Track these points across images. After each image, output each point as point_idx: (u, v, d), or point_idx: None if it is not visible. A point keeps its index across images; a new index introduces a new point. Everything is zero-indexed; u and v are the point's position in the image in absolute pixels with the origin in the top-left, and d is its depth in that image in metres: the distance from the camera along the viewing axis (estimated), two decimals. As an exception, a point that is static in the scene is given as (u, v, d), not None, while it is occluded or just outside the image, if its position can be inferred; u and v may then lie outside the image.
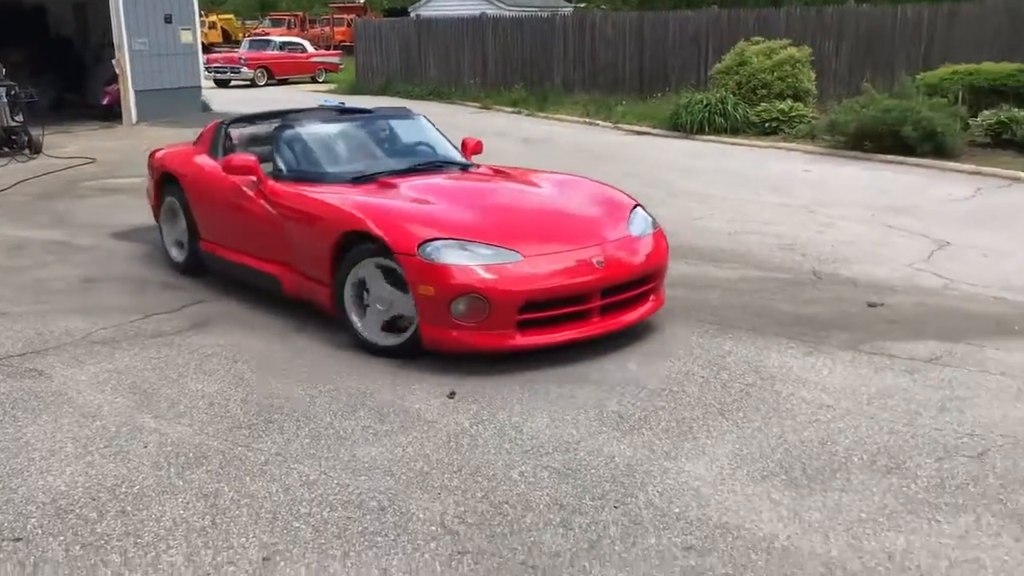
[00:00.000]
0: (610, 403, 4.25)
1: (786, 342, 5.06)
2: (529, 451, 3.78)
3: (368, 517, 3.27)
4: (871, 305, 5.72)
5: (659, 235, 5.38)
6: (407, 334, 4.78)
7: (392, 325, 4.87)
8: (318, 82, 30.50)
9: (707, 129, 14.23)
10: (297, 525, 3.22)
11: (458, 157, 6.30)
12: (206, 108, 18.14)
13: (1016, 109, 11.81)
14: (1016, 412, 4.10)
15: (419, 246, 4.61)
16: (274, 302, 5.75)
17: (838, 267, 6.68)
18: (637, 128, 15.43)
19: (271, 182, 5.62)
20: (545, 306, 4.66)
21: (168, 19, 17.02)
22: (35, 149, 12.51)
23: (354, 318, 4.97)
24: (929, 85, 12.86)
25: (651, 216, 5.48)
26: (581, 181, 5.91)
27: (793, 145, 13.05)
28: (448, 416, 4.13)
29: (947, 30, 15.02)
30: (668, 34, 18.12)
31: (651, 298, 5.23)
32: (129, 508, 3.34)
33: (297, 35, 40.75)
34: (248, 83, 28.80)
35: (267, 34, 40.07)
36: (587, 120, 16.79)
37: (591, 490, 3.46)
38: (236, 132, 6.53)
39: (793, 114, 13.83)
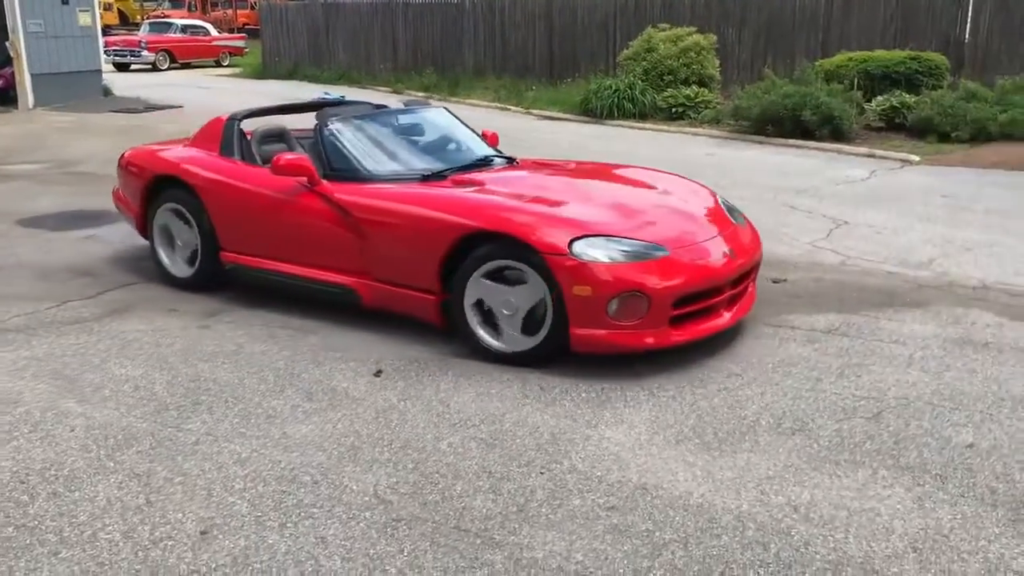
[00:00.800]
0: (532, 377, 4.41)
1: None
2: (456, 424, 3.92)
3: (303, 490, 3.36)
4: (774, 281, 6.01)
5: (751, 224, 5.37)
6: (541, 336, 4.49)
7: (528, 326, 4.55)
8: (223, 66, 29.88)
9: (616, 114, 14.53)
10: (232, 500, 3.29)
11: (494, 149, 6.03)
12: (107, 92, 17.68)
13: (907, 95, 12.42)
14: (907, 376, 4.41)
15: (569, 244, 4.34)
16: (195, 288, 5.74)
17: (744, 246, 6.98)
18: (548, 113, 15.64)
19: (327, 183, 5.15)
20: (691, 300, 4.53)
21: (65, 0, 16.48)
22: (-73, 135, 12.03)
23: (480, 331, 4.64)
24: (827, 72, 13.40)
25: (734, 206, 5.48)
26: (660, 172, 5.81)
27: (699, 130, 13.44)
28: (376, 393, 4.24)
29: (844, 18, 15.62)
30: (577, 20, 18.35)
31: (751, 289, 5.16)
32: (61, 489, 3.35)
33: (199, 18, 39.76)
34: (149, 67, 28.02)
35: (167, 16, 38.98)
36: (499, 105, 16.94)
37: (518, 458, 3.61)
38: (247, 129, 5.95)
39: (699, 100, 14.23)
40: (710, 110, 13.91)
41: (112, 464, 3.55)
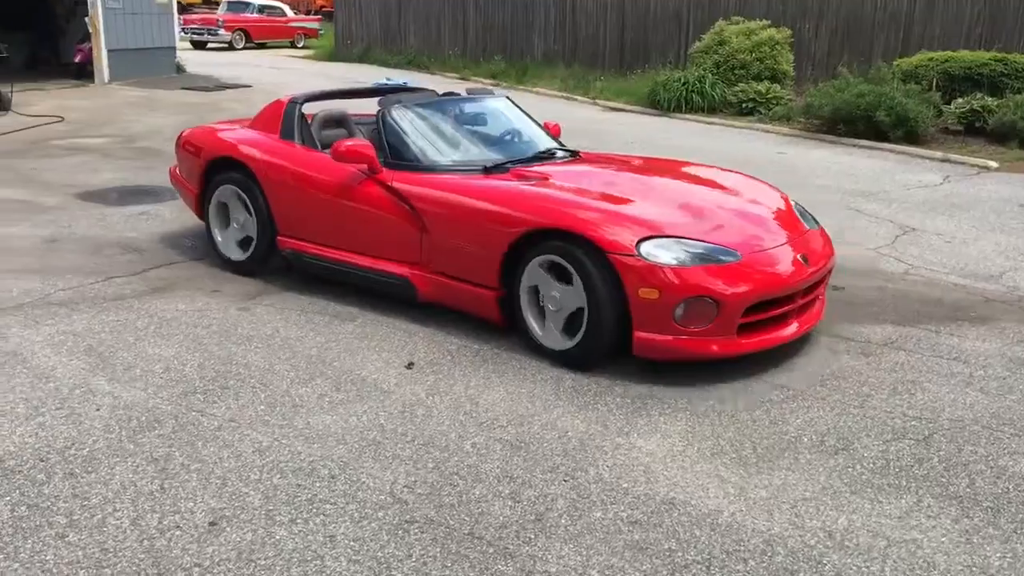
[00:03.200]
0: (567, 378, 4.27)
1: (746, 322, 5.09)
2: (483, 423, 3.80)
3: (318, 484, 3.28)
4: (833, 288, 5.76)
5: (823, 230, 5.18)
6: (579, 337, 4.34)
7: (568, 327, 4.44)
8: (297, 47, 30.22)
9: (684, 108, 14.24)
10: (246, 491, 3.22)
11: (557, 141, 5.86)
12: (180, 70, 17.95)
13: (989, 97, 11.89)
14: (964, 397, 4.16)
15: (636, 244, 4.19)
16: (248, 272, 5.73)
17: (803, 249, 6.72)
18: (614, 104, 15.40)
19: (388, 171, 5.05)
20: (762, 307, 4.35)
21: (144, -22, 16.75)
22: (3, 106, 12.32)
23: (533, 324, 4.55)
24: (904, 71, 12.90)
25: (807, 211, 5.28)
26: (728, 171, 5.65)
27: (768, 127, 13.08)
28: (404, 387, 4.14)
29: (926, 18, 15.05)
30: (649, 11, 18.03)
31: (822, 297, 4.98)
32: (78, 470, 3.33)
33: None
34: (225, 45, 28.44)
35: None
36: (565, 94, 16.75)
37: (542, 463, 3.48)
38: (308, 113, 5.84)
39: (770, 96, 13.85)
40: (781, 107, 13.53)
41: (132, 447, 3.51)
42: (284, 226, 5.51)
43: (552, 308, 4.44)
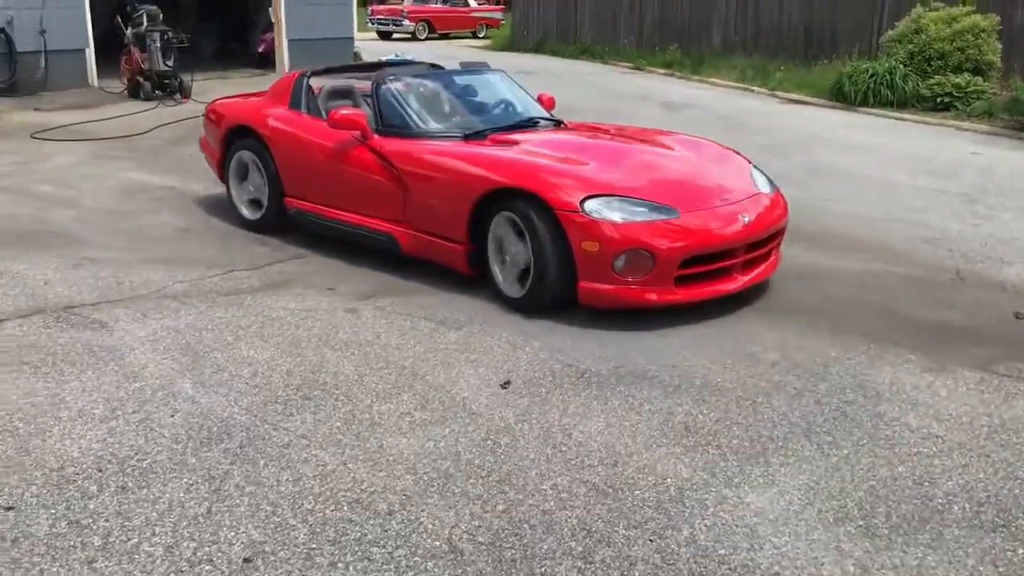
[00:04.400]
0: (679, 411, 3.77)
1: (905, 353, 4.41)
2: (571, 460, 3.37)
3: (371, 522, 2.95)
4: (1018, 316, 4.95)
5: (779, 192, 5.48)
6: (527, 286, 4.80)
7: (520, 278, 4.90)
8: (478, 37, 30.42)
9: (871, 101, 13.10)
10: (294, 523, 2.94)
11: (546, 113, 6.23)
12: (357, 59, 18.26)
13: None
14: None
15: (581, 202, 4.60)
16: (364, 265, 5.55)
17: (988, 267, 5.86)
18: (794, 96, 14.41)
19: (378, 137, 5.54)
20: (699, 262, 4.73)
21: (324, -31, 17.12)
22: (184, 94, 12.83)
23: (497, 271, 5.01)
24: None
25: (765, 174, 5.58)
26: (697, 139, 5.95)
27: (966, 124, 11.82)
28: (494, 409, 3.76)
29: None
30: (840, -4, 16.80)
31: (774, 256, 5.31)
32: (131, 484, 3.15)
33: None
34: (409, 36, 28.96)
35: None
36: (743, 85, 15.86)
37: (628, 516, 3.02)
38: (316, 85, 6.33)
39: (970, 89, 12.53)
40: (982, 102, 12.20)
41: (194, 461, 3.31)
42: (290, 188, 6.10)
43: (510, 260, 4.89)
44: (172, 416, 3.65)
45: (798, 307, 5.03)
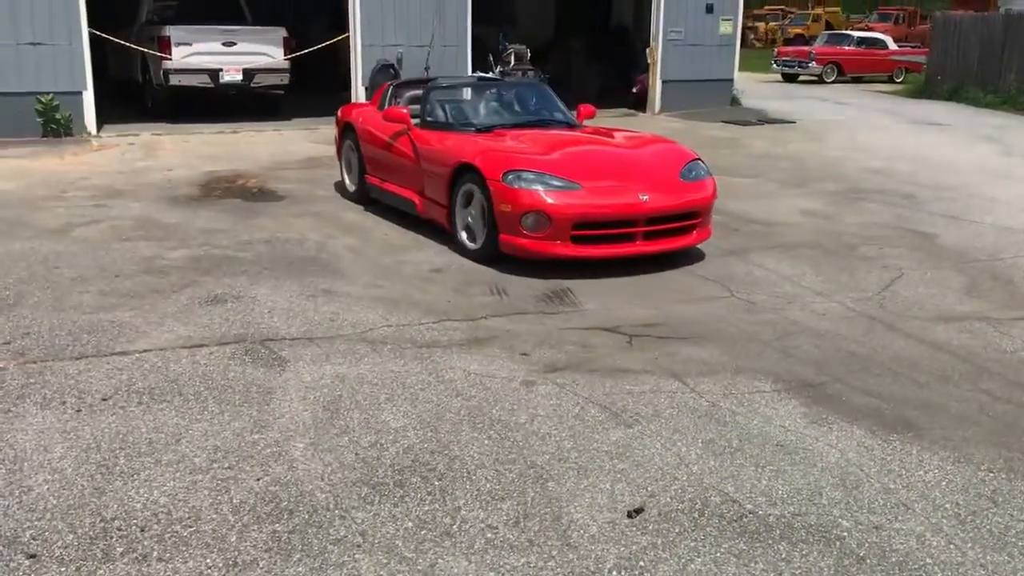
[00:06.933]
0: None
1: None
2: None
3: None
4: None
5: (707, 182, 6.62)
6: (480, 242, 6.36)
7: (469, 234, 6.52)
8: (895, 82, 27.93)
9: None
10: (264, 647, 2.48)
11: (564, 117, 7.71)
12: (735, 101, 17.51)
13: None
14: None
15: (502, 174, 6.06)
16: (577, 330, 4.98)
17: None
18: None
19: (416, 129, 7.23)
20: (596, 226, 6.04)
21: (709, 9, 16.62)
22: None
23: (460, 229, 6.57)
24: None
25: (706, 167, 6.75)
26: (657, 139, 7.33)
27: None
28: (600, 545, 3.00)
29: None
30: None
31: (694, 232, 6.50)
32: (155, 554, 2.91)
33: (903, 32, 37.95)
34: (816, 79, 27.40)
35: (870, 28, 37.86)
36: None
37: None
38: (402, 92, 8.16)
39: None
40: None
41: (234, 539, 2.99)
42: (368, 167, 8.03)
43: (470, 221, 6.46)
44: (258, 480, 3.38)
45: None
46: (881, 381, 4.50)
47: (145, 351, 4.63)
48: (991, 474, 3.58)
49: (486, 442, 3.72)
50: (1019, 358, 4.88)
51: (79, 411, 3.92)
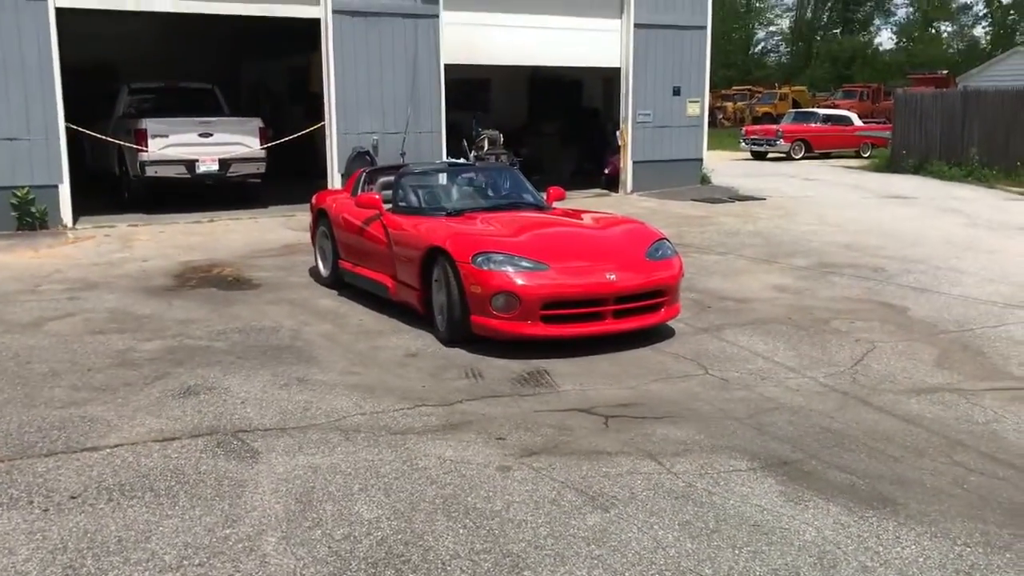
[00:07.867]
0: None
1: None
2: None
3: None
4: None
5: (674, 261, 6.78)
6: (453, 324, 6.37)
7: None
8: (862, 157, 28.54)
9: None
10: None
11: (534, 199, 7.91)
12: (705, 180, 17.80)
13: None
14: None
15: (472, 257, 6.20)
16: (554, 413, 4.96)
17: None
18: None
19: (388, 214, 7.41)
20: (565, 306, 6.15)
21: (676, 91, 17.01)
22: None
23: (437, 313, 6.60)
24: None
25: (672, 247, 6.94)
26: (623, 219, 7.57)
27: None
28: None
29: None
30: None
31: (663, 310, 6.61)
32: (119, 659, 2.83)
33: (868, 108, 38.94)
34: (784, 155, 27.97)
35: (836, 106, 38.84)
36: None
37: None
38: (375, 178, 8.39)
39: None
40: None
41: (201, 640, 2.92)
42: (341, 252, 8.19)
43: (444, 303, 6.46)
44: (226, 578, 3.32)
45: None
46: (856, 456, 4.51)
47: (116, 446, 4.57)
48: (968, 548, 3.58)
49: (461, 531, 3.68)
50: (991, 429, 4.91)
51: (46, 511, 3.85)
